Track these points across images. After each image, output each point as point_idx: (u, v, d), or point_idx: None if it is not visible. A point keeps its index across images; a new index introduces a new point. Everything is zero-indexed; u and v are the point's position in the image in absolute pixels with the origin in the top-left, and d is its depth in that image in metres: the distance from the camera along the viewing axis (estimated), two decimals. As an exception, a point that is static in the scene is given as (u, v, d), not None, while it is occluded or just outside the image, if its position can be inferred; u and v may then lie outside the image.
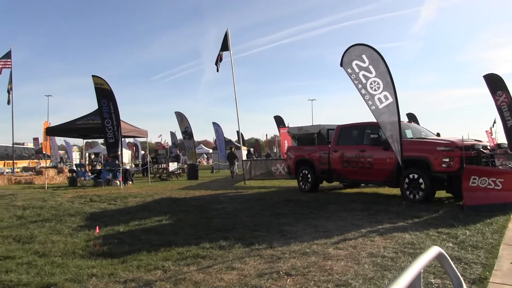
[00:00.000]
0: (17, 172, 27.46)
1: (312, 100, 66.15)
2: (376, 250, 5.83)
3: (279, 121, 33.31)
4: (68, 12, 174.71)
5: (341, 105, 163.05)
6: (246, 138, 62.61)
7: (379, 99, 10.67)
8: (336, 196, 12.60)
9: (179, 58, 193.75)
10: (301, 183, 14.35)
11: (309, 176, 13.94)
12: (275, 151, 57.59)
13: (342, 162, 12.64)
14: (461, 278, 2.47)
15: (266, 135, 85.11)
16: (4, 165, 32.34)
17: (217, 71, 19.41)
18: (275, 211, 9.98)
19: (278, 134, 37.50)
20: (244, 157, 25.80)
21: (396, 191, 12.04)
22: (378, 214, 8.94)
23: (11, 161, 30.72)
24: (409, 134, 11.87)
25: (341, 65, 11.34)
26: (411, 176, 10.54)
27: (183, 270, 5.34)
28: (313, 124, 16.14)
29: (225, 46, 18.70)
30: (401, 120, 10.75)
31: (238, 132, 25.82)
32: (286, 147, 21.93)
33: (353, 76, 11.10)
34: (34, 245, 7.39)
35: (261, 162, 22.96)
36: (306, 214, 9.32)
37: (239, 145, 24.96)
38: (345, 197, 12.31)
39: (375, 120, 11.03)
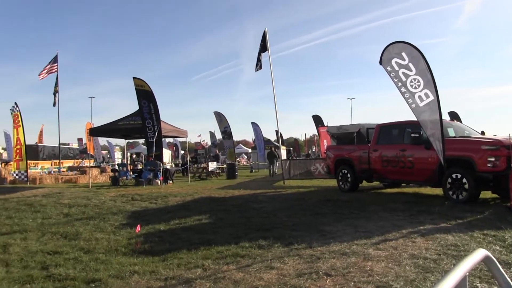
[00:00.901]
0: (63, 171, 28.32)
1: (351, 99, 65.17)
2: (417, 251, 5.70)
3: (317, 120, 33.09)
4: (110, 17, 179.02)
5: (380, 104, 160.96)
6: (285, 137, 62.62)
7: (419, 97, 10.45)
8: (376, 196, 12.42)
9: (218, 58, 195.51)
10: (340, 183, 14.22)
11: (348, 175, 13.79)
12: (314, 150, 57.26)
13: (382, 161, 12.45)
14: (511, 283, 2.35)
15: (305, 134, 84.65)
16: (51, 165, 33.40)
17: (260, 68, 19.28)
18: (314, 210, 9.92)
19: (317, 133, 37.26)
20: (284, 157, 25.78)
21: (438, 191, 11.74)
22: (419, 215, 8.74)
23: (58, 161, 31.69)
24: (451, 132, 11.58)
25: (380, 63, 11.17)
26: (454, 176, 10.27)
27: (223, 269, 5.39)
28: (352, 123, 15.95)
29: (263, 46, 18.69)
30: (443, 118, 10.50)
31: (277, 131, 25.86)
32: (325, 147, 21.78)
33: (392, 74, 10.92)
34: (80, 242, 7.65)
35: (300, 162, 22.87)
36: (346, 214, 9.23)
37: (278, 144, 24.93)
38: (385, 197, 12.12)
39: (415, 119, 10.82)
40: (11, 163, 25.49)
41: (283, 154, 28.76)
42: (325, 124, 31.16)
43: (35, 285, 5.23)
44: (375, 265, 5.11)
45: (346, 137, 14.83)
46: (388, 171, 12.33)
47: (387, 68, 11.01)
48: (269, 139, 42.93)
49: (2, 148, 45.99)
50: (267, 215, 9.60)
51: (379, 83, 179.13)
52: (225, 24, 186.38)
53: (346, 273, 4.83)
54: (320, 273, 4.89)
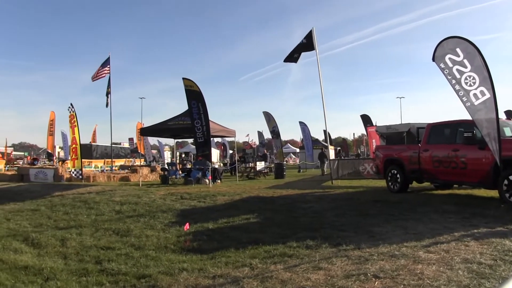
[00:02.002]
0: (115, 170, 29.17)
1: (400, 97, 63.59)
2: (471, 255, 5.48)
3: (366, 119, 32.60)
4: (160, 19, 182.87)
5: (432, 103, 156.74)
6: (333, 137, 61.98)
7: (474, 95, 10.09)
8: (427, 197, 12.07)
9: (266, 58, 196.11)
10: (389, 183, 13.92)
11: (398, 176, 13.48)
12: (362, 150, 56.42)
13: (433, 162, 12.09)
14: None
15: (354, 134, 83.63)
16: (104, 163, 34.48)
17: (290, 61, 18.96)
18: (363, 211, 9.77)
19: (365, 133, 36.70)
20: (333, 157, 25.59)
21: (494, 193, 11.27)
22: (473, 217, 8.42)
23: (110, 160, 32.67)
24: (507, 132, 11.09)
25: (433, 59, 10.85)
26: (511, 177, 9.84)
27: (270, 268, 5.40)
28: (402, 122, 15.59)
29: (310, 45, 18.52)
30: (499, 117, 10.08)
31: (325, 131, 25.69)
32: (373, 146, 21.42)
33: (446, 71, 10.59)
34: (131, 238, 7.88)
35: (348, 162, 22.60)
36: (395, 215, 9.03)
37: (326, 144, 24.75)
38: (436, 198, 11.76)
39: (468, 118, 10.44)
40: (68, 161, 26.53)
41: (331, 154, 28.55)
42: (374, 124, 30.71)
43: (90, 278, 5.46)
44: (426, 268, 4.96)
45: (395, 136, 14.52)
46: (439, 172, 11.97)
47: (441, 65, 10.69)
48: (317, 139, 42.60)
49: (59, 147, 47.87)
50: (315, 215, 9.54)
51: (430, 81, 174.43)
52: (273, 24, 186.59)
53: (395, 276, 4.72)
54: (369, 275, 4.81)
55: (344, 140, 74.95)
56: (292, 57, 18.89)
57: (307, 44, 18.51)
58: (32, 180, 21.39)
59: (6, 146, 46.73)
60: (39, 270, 5.93)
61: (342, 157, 40.61)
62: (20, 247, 7.59)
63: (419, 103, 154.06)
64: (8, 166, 34.34)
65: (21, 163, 39.09)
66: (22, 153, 66.90)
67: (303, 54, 18.86)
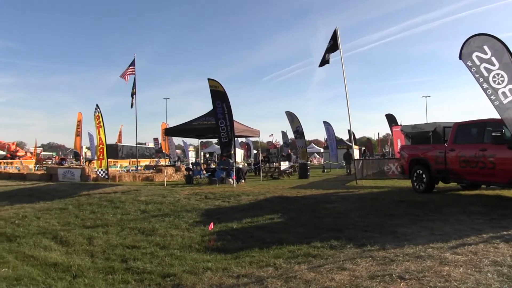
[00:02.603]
0: (140, 169, 29.50)
1: (426, 97, 62.61)
2: (501, 258, 5.35)
3: (391, 119, 32.28)
4: (184, 20, 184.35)
5: (458, 101, 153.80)
6: (357, 137, 61.52)
7: (503, 93, 9.87)
8: (454, 198, 11.86)
9: (289, 58, 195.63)
10: (415, 183, 13.73)
11: (423, 176, 13.29)
12: (387, 150, 55.76)
13: (460, 161, 11.87)
14: None
15: (378, 133, 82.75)
16: (129, 163, 34.93)
17: (324, 64, 19.03)
18: (387, 211, 9.67)
19: (390, 132, 36.30)
20: (357, 156, 25.44)
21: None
22: (502, 219, 8.23)
23: (135, 160, 33.08)
24: (538, 131, 10.83)
25: (460, 58, 10.66)
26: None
27: (294, 268, 5.39)
28: (428, 121, 15.35)
29: (334, 45, 18.42)
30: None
31: (349, 131, 25.46)
32: (398, 146, 21.17)
33: (473, 69, 10.39)
34: (156, 238, 7.97)
35: (373, 162, 22.38)
36: (421, 216, 8.91)
37: (351, 144, 24.56)
38: (463, 199, 11.55)
39: (497, 117, 10.23)
40: (94, 161, 26.95)
41: (356, 153, 28.40)
42: (399, 123, 30.37)
43: (116, 276, 5.56)
44: (453, 270, 4.88)
45: (421, 136, 14.31)
46: (467, 172, 11.74)
47: (468, 63, 10.50)
48: (341, 139, 42.35)
49: (86, 148, 48.74)
50: (339, 215, 9.49)
51: (456, 79, 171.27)
52: (296, 24, 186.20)
53: (421, 277, 4.66)
54: (394, 276, 4.76)
55: (368, 140, 74.16)
56: (324, 60, 18.91)
57: (332, 44, 18.45)
58: (60, 180, 21.82)
59: (35, 147, 47.86)
60: (68, 267, 6.09)
61: (367, 157, 40.19)
62: (50, 244, 7.80)
63: (445, 102, 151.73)
64: (37, 165, 35.12)
65: (49, 163, 39.95)
66: (51, 153, 68.45)
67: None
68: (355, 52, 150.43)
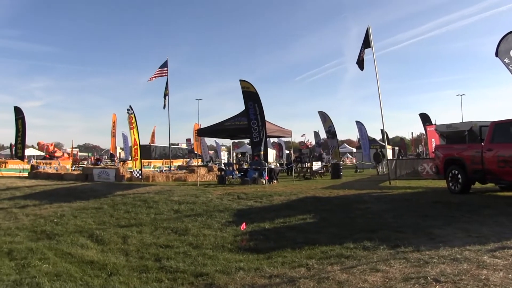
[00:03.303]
0: (173, 170, 29.82)
1: (461, 95, 61.21)
2: (543, 262, 5.16)
3: (425, 118, 31.66)
4: (216, 21, 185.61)
5: (495, 100, 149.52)
6: (390, 136, 60.63)
7: (543, 91, 9.57)
8: (492, 199, 11.55)
9: (321, 58, 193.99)
10: (450, 184, 13.44)
11: (459, 176, 12.99)
12: (420, 150, 54.78)
13: (497, 161, 11.55)
14: None
15: (412, 133, 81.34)
16: (162, 164, 35.35)
17: (361, 69, 18.95)
18: (422, 212, 9.50)
19: (424, 132, 35.65)
20: (390, 156, 25.14)
21: None
22: (544, 221, 7.98)
23: (168, 160, 33.46)
24: None
25: (497, 55, 10.42)
26: None
27: (327, 269, 5.36)
28: (463, 121, 15.00)
29: (366, 44, 18.22)
30: None
31: (382, 130, 25.10)
32: (433, 146, 20.80)
33: (511, 67, 10.12)
34: (189, 237, 8.06)
35: (406, 162, 22.04)
36: (457, 217, 8.71)
37: (384, 144, 24.25)
38: (502, 200, 11.24)
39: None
40: (128, 161, 27.43)
41: (389, 153, 28.08)
42: (433, 123, 29.80)
43: (150, 274, 5.67)
44: (492, 274, 4.73)
45: (456, 135, 14.01)
46: (505, 172, 11.41)
47: (505, 59, 10.24)
48: (374, 138, 41.79)
49: (121, 148, 49.63)
50: (372, 216, 9.38)
51: (493, 77, 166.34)
52: (328, 23, 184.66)
53: (458, 281, 4.55)
54: (429, 278, 4.66)
55: (402, 139, 73.14)
56: (360, 59, 18.76)
57: (365, 43, 18.27)
58: (96, 180, 22.28)
59: (72, 147, 49.07)
60: (103, 265, 6.26)
61: (402, 157, 39.60)
62: (86, 243, 8.02)
63: (481, 100, 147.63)
64: (74, 166, 35.96)
65: (85, 163, 40.83)
66: (86, 154, 70.03)
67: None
68: (388, 51, 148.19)
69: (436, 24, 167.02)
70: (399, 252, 6.01)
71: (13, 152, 34.02)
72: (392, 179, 17.65)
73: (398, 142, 65.74)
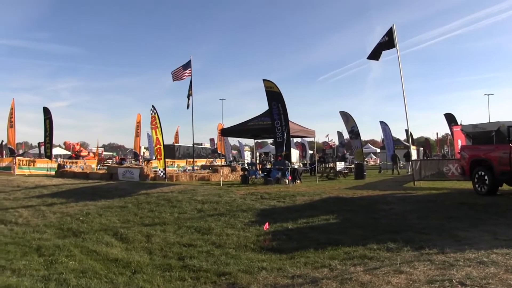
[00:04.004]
0: (196, 169, 30.01)
1: (488, 95, 59.87)
2: None
3: (450, 118, 31.16)
4: (239, 21, 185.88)
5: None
6: (415, 137, 59.95)
7: None
8: (520, 201, 11.33)
9: (345, 58, 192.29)
10: (476, 185, 13.20)
11: (486, 177, 12.75)
12: (446, 150, 53.96)
13: (527, 163, 11.30)
14: None
15: (437, 133, 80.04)
16: (186, 163, 35.61)
17: (377, 59, 18.62)
18: (447, 214, 9.37)
19: (449, 132, 35.10)
20: (415, 157, 24.84)
21: None
22: None
23: (192, 160, 33.69)
24: None
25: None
26: None
27: (350, 270, 5.34)
28: (490, 121, 14.70)
29: (390, 42, 18.02)
30: None
31: (406, 131, 24.88)
32: (459, 146, 20.47)
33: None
34: (212, 237, 8.12)
35: (431, 162, 21.76)
36: (483, 220, 8.57)
37: (408, 144, 23.99)
38: (531, 202, 11.01)
39: None
40: (152, 161, 27.69)
41: (414, 154, 27.77)
42: (459, 123, 29.33)
43: (173, 273, 5.74)
44: (520, 278, 4.64)
45: (483, 136, 13.75)
46: (534, 174, 11.18)
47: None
48: (398, 139, 41.31)
49: (145, 148, 50.16)
50: (396, 217, 9.30)
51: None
52: (351, 23, 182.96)
53: (484, 284, 4.47)
54: (454, 281, 4.60)
55: (426, 140, 72.09)
56: (374, 55, 18.55)
57: (388, 41, 18.05)
58: (120, 179, 22.56)
59: (97, 147, 49.78)
60: (127, 263, 6.36)
61: (427, 158, 39.10)
62: (111, 241, 8.16)
63: (509, 100, 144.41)
64: (99, 165, 36.52)
65: (110, 162, 41.42)
66: (111, 153, 71.00)
67: (383, 52, 18.45)
68: (412, 50, 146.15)
69: (463, 22, 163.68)
70: (423, 254, 5.95)
71: (42, 151, 34.77)
72: (417, 180, 17.44)
73: (423, 143, 64.79)
